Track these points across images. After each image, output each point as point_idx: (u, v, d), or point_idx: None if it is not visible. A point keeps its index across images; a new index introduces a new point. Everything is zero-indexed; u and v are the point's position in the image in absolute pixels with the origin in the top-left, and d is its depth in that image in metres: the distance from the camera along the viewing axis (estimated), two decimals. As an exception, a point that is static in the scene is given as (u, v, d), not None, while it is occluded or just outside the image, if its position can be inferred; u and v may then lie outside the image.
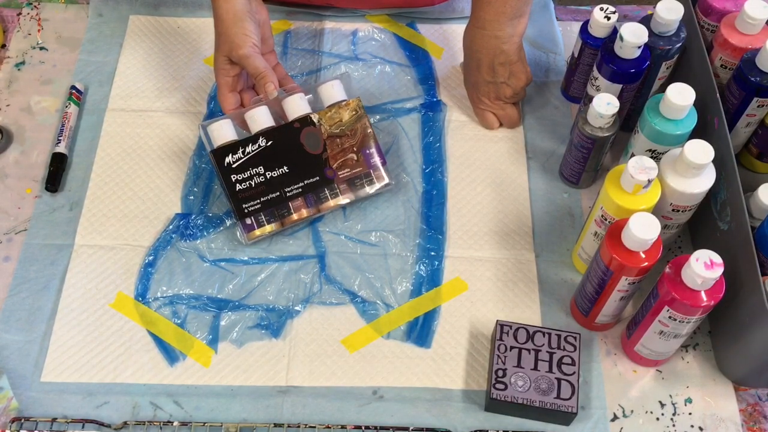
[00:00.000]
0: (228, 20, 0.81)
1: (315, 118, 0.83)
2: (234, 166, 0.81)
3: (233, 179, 0.81)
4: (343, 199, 0.84)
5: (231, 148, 0.82)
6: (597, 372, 0.77)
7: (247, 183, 0.81)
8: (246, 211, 0.81)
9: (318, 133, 0.83)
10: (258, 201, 0.81)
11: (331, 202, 0.83)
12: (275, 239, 0.84)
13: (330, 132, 0.83)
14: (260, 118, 0.83)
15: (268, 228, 0.82)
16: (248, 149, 0.81)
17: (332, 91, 0.86)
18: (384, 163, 0.85)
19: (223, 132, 0.82)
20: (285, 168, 0.82)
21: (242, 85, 0.86)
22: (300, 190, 0.82)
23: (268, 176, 0.81)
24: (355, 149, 0.84)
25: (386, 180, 0.85)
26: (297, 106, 0.84)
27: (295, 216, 0.82)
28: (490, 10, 0.83)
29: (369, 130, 0.85)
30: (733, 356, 0.75)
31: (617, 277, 0.70)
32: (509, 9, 0.82)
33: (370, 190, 0.84)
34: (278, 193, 0.81)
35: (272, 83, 0.81)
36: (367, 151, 0.84)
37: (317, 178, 0.83)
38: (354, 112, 0.85)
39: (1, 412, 0.74)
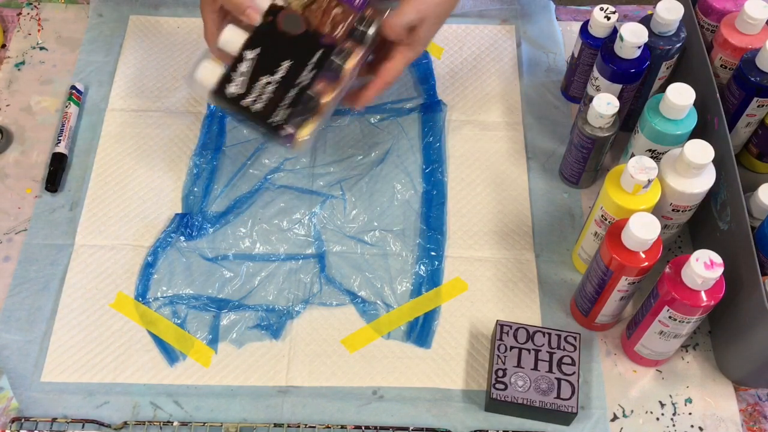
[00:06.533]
0: None
1: (279, 1, 0.77)
2: (237, 93, 0.75)
3: (244, 105, 0.75)
4: (357, 54, 0.76)
5: (224, 80, 0.75)
6: (597, 372, 0.77)
7: (261, 99, 0.75)
8: (275, 124, 0.75)
9: (292, 13, 0.77)
10: (279, 107, 0.75)
11: (350, 63, 0.76)
12: (279, 237, 0.84)
13: (302, 3, 0.76)
14: (235, 38, 0.76)
15: (311, 125, 0.75)
16: (241, 69, 0.76)
17: None
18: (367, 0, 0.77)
19: (210, 70, 0.77)
20: (286, 63, 0.76)
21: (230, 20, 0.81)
22: (312, 73, 0.76)
23: (275, 80, 0.76)
24: (333, 3, 0.76)
25: (381, 12, 0.76)
26: (261, 5, 0.78)
27: (325, 98, 0.76)
28: None
29: None
30: (733, 356, 0.75)
31: (617, 277, 0.70)
32: None
33: (372, 30, 0.76)
34: (294, 89, 0.75)
35: (251, 9, 0.76)
36: None
37: (320, 51, 0.76)
38: None
39: (1, 412, 0.74)
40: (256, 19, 0.76)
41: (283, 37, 0.76)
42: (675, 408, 0.76)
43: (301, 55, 0.76)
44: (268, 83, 0.75)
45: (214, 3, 0.77)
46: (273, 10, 0.76)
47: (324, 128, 0.79)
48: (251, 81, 0.75)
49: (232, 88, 0.75)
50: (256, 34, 0.76)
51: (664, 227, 0.76)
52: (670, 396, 0.76)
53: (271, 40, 0.76)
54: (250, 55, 0.76)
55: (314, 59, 0.76)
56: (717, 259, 0.64)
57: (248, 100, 0.75)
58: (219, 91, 0.75)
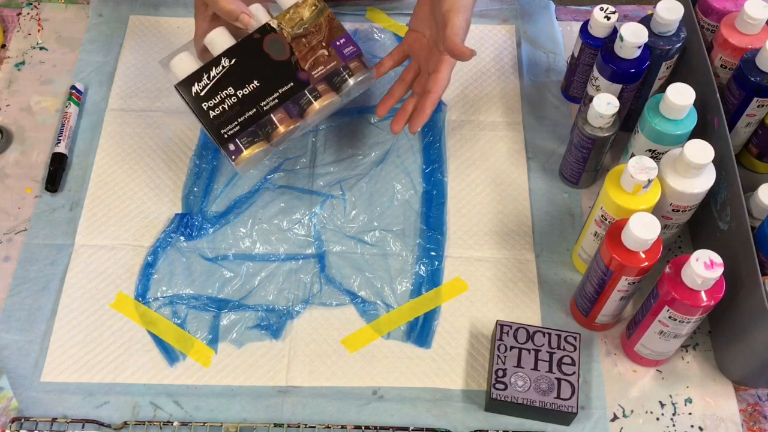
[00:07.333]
0: None
1: (274, 23, 0.77)
2: (202, 94, 0.76)
3: (205, 107, 0.76)
4: (327, 99, 0.78)
5: (195, 76, 0.76)
6: (597, 372, 0.77)
7: (220, 107, 0.76)
8: (226, 136, 0.76)
9: (281, 38, 0.77)
10: (236, 122, 0.76)
11: (316, 105, 0.78)
12: (279, 237, 0.84)
13: (293, 34, 0.77)
14: (220, 41, 0.77)
15: (257, 147, 0.77)
16: (212, 73, 0.77)
17: None
18: (358, 52, 0.79)
19: (185, 64, 0.78)
20: (255, 82, 0.77)
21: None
22: (276, 101, 0.77)
23: (239, 95, 0.76)
24: (324, 44, 0.78)
25: (365, 70, 0.79)
26: (257, 17, 0.78)
27: (281, 128, 0.77)
28: None
29: (335, 22, 0.79)
30: (733, 356, 0.75)
31: (617, 277, 0.70)
32: None
33: (353, 82, 0.79)
34: (254, 110, 0.76)
35: (245, 14, 0.76)
36: (337, 43, 0.78)
37: (291, 84, 0.77)
38: (314, 7, 0.78)
39: (1, 412, 0.74)
40: (252, 23, 0.77)
41: (264, 57, 0.77)
42: (675, 408, 0.76)
43: (272, 80, 0.77)
44: (230, 95, 0.77)
45: (207, 9, 0.78)
46: (264, 30, 0.77)
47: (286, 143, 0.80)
48: (216, 87, 0.77)
49: (197, 87, 0.76)
50: (239, 46, 0.77)
51: (664, 227, 0.76)
52: (670, 396, 0.76)
53: (250, 57, 0.77)
54: (225, 62, 0.77)
55: (284, 89, 0.77)
56: (717, 259, 0.64)
57: (209, 103, 0.76)
58: (186, 84, 0.77)
